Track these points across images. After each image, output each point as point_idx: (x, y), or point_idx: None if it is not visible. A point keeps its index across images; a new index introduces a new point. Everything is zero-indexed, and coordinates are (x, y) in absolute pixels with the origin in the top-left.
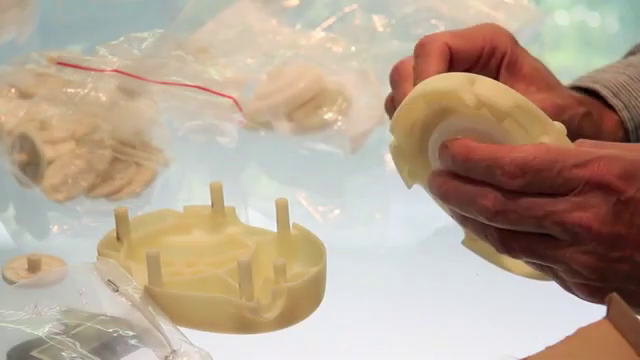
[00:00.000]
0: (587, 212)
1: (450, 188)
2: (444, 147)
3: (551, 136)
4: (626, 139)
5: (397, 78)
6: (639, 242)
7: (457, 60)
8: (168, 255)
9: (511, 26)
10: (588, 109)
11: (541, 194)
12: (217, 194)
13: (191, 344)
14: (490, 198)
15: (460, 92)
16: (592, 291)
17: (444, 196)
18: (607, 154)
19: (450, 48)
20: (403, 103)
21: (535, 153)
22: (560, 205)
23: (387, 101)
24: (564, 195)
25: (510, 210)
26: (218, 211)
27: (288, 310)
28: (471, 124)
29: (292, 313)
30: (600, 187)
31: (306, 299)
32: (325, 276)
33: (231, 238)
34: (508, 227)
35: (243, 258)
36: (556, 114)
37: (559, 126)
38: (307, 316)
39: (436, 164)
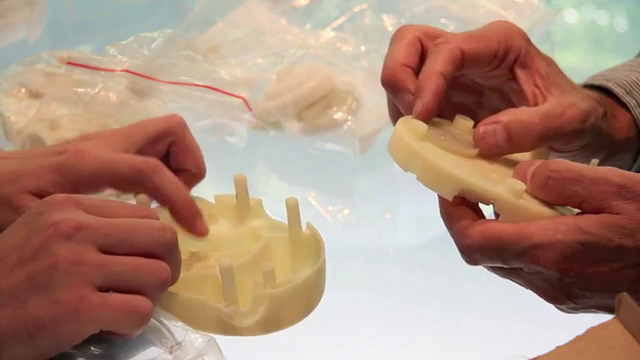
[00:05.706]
0: (537, 288)
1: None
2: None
3: (501, 206)
4: (638, 137)
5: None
6: (598, 302)
7: (469, 63)
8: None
9: (521, 25)
10: (604, 109)
11: None
12: (241, 186)
13: (194, 332)
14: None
15: (407, 170)
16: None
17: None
18: (541, 242)
19: (463, 52)
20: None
21: (479, 243)
22: (517, 275)
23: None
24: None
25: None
26: (242, 203)
27: (271, 316)
28: None
29: (276, 319)
30: (540, 273)
31: (293, 305)
32: (320, 281)
33: (252, 231)
34: None
35: (224, 263)
36: (582, 121)
37: (508, 187)
38: (296, 322)
39: None
